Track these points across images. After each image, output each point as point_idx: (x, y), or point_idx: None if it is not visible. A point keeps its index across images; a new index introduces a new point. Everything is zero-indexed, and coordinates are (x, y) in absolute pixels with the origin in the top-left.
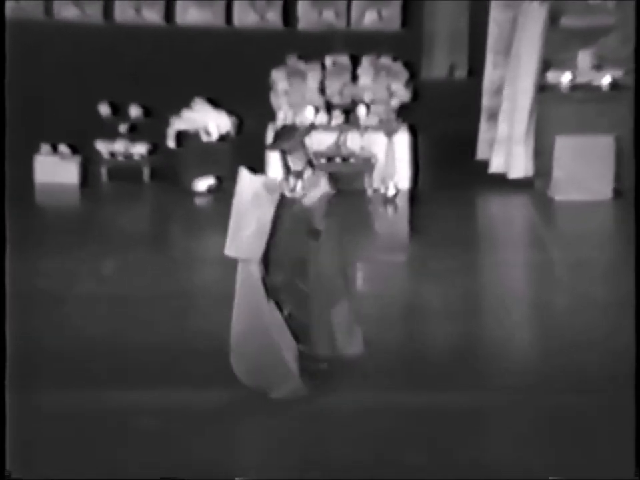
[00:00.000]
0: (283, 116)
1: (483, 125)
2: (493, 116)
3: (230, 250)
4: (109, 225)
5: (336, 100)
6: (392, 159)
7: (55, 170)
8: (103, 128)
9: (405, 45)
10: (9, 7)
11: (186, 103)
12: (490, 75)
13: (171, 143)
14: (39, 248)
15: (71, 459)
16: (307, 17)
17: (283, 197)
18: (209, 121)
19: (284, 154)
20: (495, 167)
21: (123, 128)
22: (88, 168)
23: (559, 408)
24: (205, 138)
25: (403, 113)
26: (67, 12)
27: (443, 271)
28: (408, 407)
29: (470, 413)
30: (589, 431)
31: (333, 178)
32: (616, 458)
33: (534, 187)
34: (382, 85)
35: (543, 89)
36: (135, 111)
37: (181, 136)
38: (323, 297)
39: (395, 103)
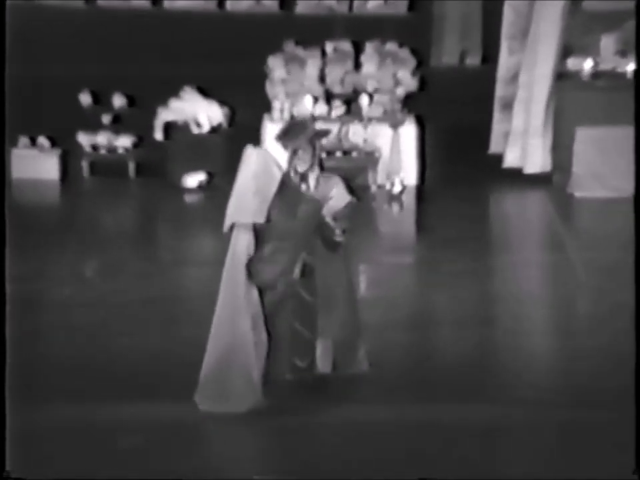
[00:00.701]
0: (279, 106)
1: (497, 116)
2: (508, 106)
3: (231, 217)
4: (91, 223)
5: (337, 89)
6: (397, 153)
7: (34, 164)
8: (84, 119)
9: (412, 30)
10: None
11: (174, 92)
12: (505, 61)
13: (158, 135)
14: (15, 249)
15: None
16: None
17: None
18: (199, 112)
19: (294, 152)
20: (510, 161)
21: (106, 119)
22: (68, 162)
23: (581, 423)
24: (194, 130)
25: (410, 103)
26: None
27: (453, 274)
28: (415, 421)
29: (483, 428)
30: (610, 446)
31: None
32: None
33: (552, 182)
34: (387, 73)
35: (562, 76)
36: (118, 101)
37: (168, 128)
38: (328, 312)
39: (400, 92)
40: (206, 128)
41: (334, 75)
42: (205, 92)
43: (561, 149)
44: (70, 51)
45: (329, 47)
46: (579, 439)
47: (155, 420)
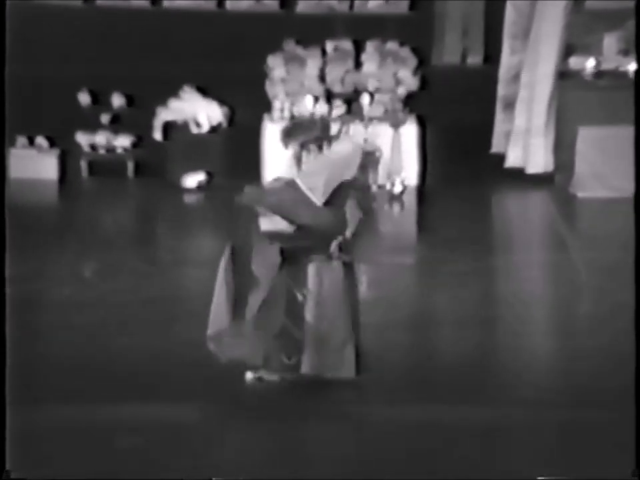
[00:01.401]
0: (279, 106)
1: (499, 116)
2: (510, 105)
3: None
4: (90, 223)
5: (337, 88)
6: (398, 153)
7: (32, 164)
8: (83, 118)
9: (413, 29)
10: None
11: (174, 91)
12: (507, 61)
13: (157, 135)
14: (13, 249)
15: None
16: None
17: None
18: (199, 111)
19: (301, 148)
20: (512, 161)
21: (104, 118)
22: (67, 162)
23: (581, 423)
24: (194, 130)
25: (411, 102)
26: None
27: (455, 275)
28: (416, 423)
29: (484, 428)
30: (610, 445)
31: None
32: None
33: (554, 182)
34: (388, 72)
35: (564, 76)
36: (117, 100)
37: (168, 127)
38: (319, 313)
39: (401, 91)
40: (205, 128)
41: (334, 74)
42: (204, 91)
43: (563, 148)
44: (68, 50)
45: (329, 46)
46: (579, 439)
47: (155, 420)
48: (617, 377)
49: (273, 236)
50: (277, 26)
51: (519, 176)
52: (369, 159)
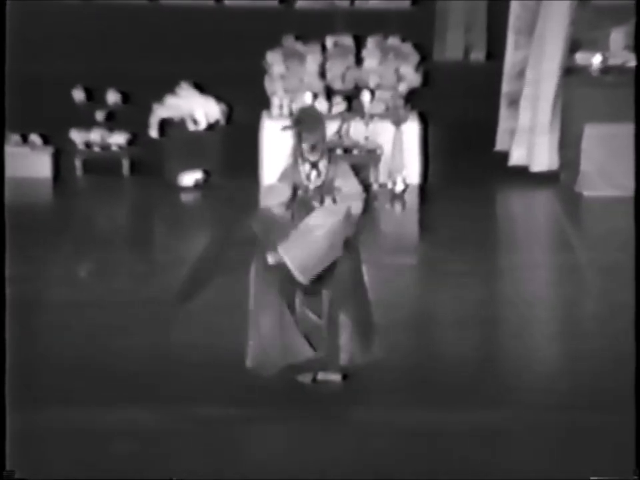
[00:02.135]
0: (278, 102)
1: (503, 113)
2: (514, 102)
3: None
4: (85, 223)
5: (337, 85)
6: (400, 151)
7: (25, 162)
8: (77, 116)
9: (415, 24)
10: None
11: (170, 88)
12: (511, 56)
13: (153, 133)
14: (7, 250)
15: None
16: None
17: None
18: (196, 108)
19: (299, 137)
20: (516, 159)
21: (99, 115)
22: (61, 160)
23: (586, 428)
24: (191, 127)
25: (413, 99)
26: None
27: (457, 276)
28: (418, 427)
29: (487, 433)
30: (611, 450)
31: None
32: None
33: (559, 181)
34: (389, 69)
35: (570, 72)
36: (113, 97)
37: (164, 125)
38: (338, 300)
39: (403, 88)
40: (203, 125)
41: (334, 70)
42: (201, 88)
43: (569, 146)
44: (62, 46)
45: (329, 41)
46: (579, 439)
47: (154, 421)
48: (625, 378)
49: (280, 268)
50: (276, 21)
51: (523, 174)
52: (370, 157)
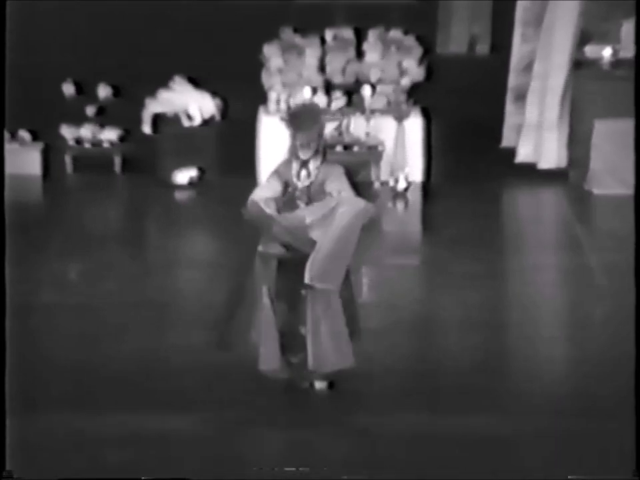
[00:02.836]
0: (276, 97)
1: (509, 108)
2: (521, 97)
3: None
4: (75, 221)
5: (337, 79)
6: (402, 147)
7: (14, 159)
8: (67, 111)
9: (417, 16)
10: None
11: (163, 82)
12: (518, 49)
13: (146, 128)
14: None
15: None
16: None
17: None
18: (190, 103)
19: (295, 134)
20: (523, 156)
21: (90, 111)
22: (51, 156)
23: (594, 434)
24: (185, 123)
25: (415, 93)
26: None
27: (462, 277)
28: (420, 433)
29: (493, 440)
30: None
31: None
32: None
33: (568, 179)
34: (391, 62)
35: (579, 65)
36: (104, 91)
37: (157, 120)
38: (319, 306)
39: (405, 82)
40: (197, 120)
41: (334, 64)
42: (196, 82)
43: (578, 143)
44: (52, 39)
45: (328, 34)
46: (579, 443)
47: (149, 426)
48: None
49: (270, 256)
50: (273, 13)
51: (530, 172)
52: (372, 154)
